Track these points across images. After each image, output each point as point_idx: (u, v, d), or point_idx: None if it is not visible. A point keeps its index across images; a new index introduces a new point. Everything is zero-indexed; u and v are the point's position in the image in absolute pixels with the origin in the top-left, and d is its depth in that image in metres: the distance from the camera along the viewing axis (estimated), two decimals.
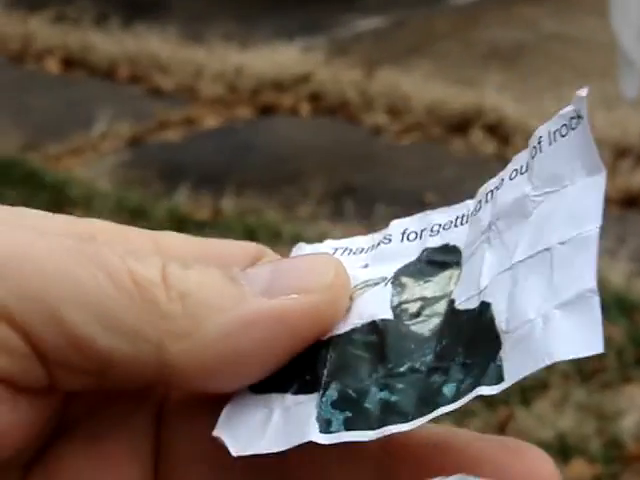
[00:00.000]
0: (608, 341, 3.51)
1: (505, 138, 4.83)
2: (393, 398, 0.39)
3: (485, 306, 0.39)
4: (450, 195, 4.16)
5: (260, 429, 0.40)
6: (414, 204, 4.36)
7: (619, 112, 4.68)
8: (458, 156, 4.81)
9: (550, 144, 0.41)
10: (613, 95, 4.66)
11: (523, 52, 5.82)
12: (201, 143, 5.24)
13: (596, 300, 0.37)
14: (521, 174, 0.42)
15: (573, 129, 0.40)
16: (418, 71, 5.54)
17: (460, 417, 3.33)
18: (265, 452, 0.39)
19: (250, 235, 4.20)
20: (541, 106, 4.91)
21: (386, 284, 0.42)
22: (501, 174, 0.43)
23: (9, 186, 4.73)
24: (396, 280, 0.42)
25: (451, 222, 0.44)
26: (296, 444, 0.39)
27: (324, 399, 0.39)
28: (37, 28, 6.53)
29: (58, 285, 0.41)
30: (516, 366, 0.37)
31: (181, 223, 4.34)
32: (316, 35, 6.23)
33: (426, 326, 0.40)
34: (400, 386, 0.39)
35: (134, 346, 0.40)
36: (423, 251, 0.43)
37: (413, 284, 0.42)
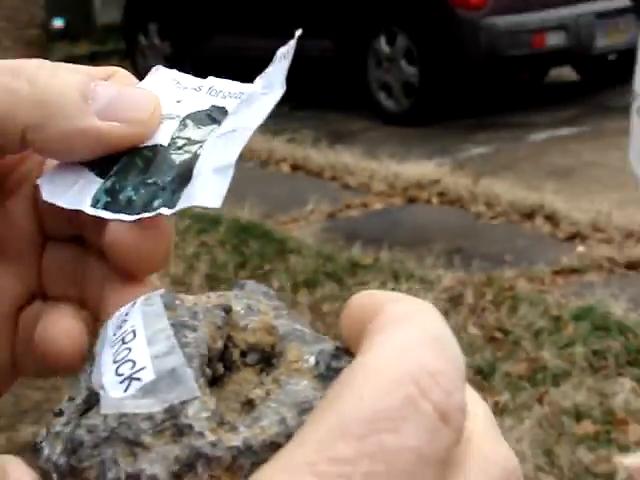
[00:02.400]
0: (610, 349, 3.50)
1: (557, 224, 4.72)
2: (135, 197, 0.36)
3: (196, 156, 0.36)
4: (521, 257, 4.12)
5: (65, 190, 0.37)
6: (498, 262, 4.36)
7: (629, 210, 4.62)
8: (527, 233, 4.76)
9: (278, 63, 0.38)
10: (626, 199, 4.64)
11: (571, 171, 5.69)
12: (371, 218, 5.23)
13: (230, 172, 0.35)
14: (260, 79, 0.38)
15: (285, 58, 0.38)
16: (507, 180, 5.42)
17: (514, 391, 3.34)
18: (59, 205, 0.36)
19: (395, 275, 4.19)
20: (580, 205, 4.87)
21: (177, 120, 0.38)
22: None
23: (252, 239, 4.75)
24: (183, 120, 0.38)
25: (236, 94, 0.39)
26: (75, 208, 0.36)
27: (103, 186, 0.36)
28: (277, 145, 6.56)
29: None
30: (179, 202, 0.35)
31: (354, 266, 4.39)
32: (445, 155, 6.14)
33: (179, 157, 0.37)
34: (142, 191, 0.36)
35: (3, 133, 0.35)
36: (211, 106, 0.39)
37: (191, 127, 0.38)
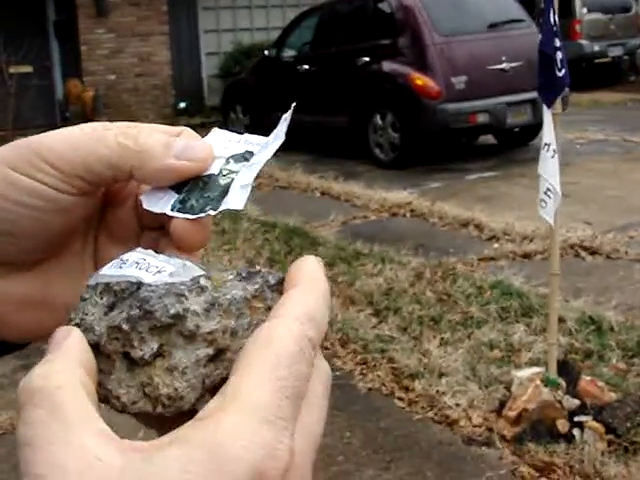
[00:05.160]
0: (511, 307, 3.48)
1: (481, 230, 4.65)
2: (195, 204, 0.34)
3: (232, 180, 0.35)
4: (459, 250, 4.08)
5: (156, 202, 0.35)
6: (445, 253, 4.29)
7: (525, 222, 4.59)
8: (463, 235, 4.69)
9: (282, 123, 0.36)
10: (523, 216, 4.60)
11: (491, 198, 5.60)
12: (369, 225, 5.16)
13: (249, 188, 0.34)
14: (272, 133, 0.37)
15: (286, 120, 0.36)
16: (452, 203, 5.37)
17: (453, 331, 3.32)
18: (153, 210, 0.35)
19: (382, 260, 4.13)
20: (495, 219, 4.82)
21: (223, 159, 0.36)
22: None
23: (296, 236, 4.73)
24: (227, 159, 0.36)
25: (260, 143, 0.37)
26: (161, 212, 0.34)
27: (177, 198, 0.35)
28: (312, 179, 6.46)
29: (80, 145, 0.34)
30: (220, 207, 0.34)
31: (358, 254, 4.31)
32: (414, 188, 6.07)
33: (223, 181, 0.35)
34: (200, 201, 0.34)
35: (115, 170, 0.34)
36: (245, 151, 0.36)
37: (232, 163, 0.36)
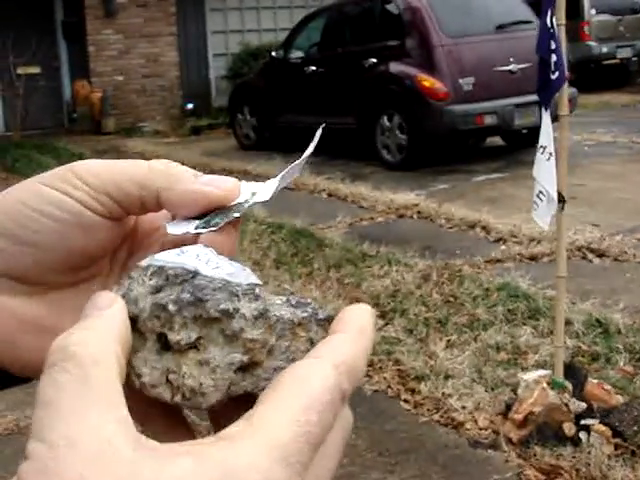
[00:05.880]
0: (518, 309, 3.47)
1: (488, 232, 4.64)
2: (219, 221, 0.34)
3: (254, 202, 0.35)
4: (466, 252, 4.06)
5: (178, 229, 0.34)
6: (452, 255, 4.29)
7: (532, 224, 4.57)
8: (470, 237, 4.70)
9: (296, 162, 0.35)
10: (530, 217, 4.59)
11: (498, 200, 5.60)
12: (375, 227, 5.14)
13: (277, 182, 0.35)
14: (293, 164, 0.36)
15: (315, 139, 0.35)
16: (459, 205, 5.38)
17: (459, 333, 3.31)
18: (175, 233, 0.34)
19: (389, 262, 4.12)
20: (503, 220, 4.81)
21: (249, 193, 0.35)
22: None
23: (302, 238, 4.71)
24: (254, 193, 0.35)
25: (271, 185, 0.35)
26: (185, 232, 0.34)
27: (201, 221, 0.34)
28: (319, 181, 6.45)
29: (114, 166, 0.35)
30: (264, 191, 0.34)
31: (364, 255, 4.31)
32: (422, 189, 6.06)
33: (247, 205, 0.35)
34: (224, 217, 0.34)
35: (143, 190, 0.34)
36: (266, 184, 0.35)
37: (258, 195, 0.35)
